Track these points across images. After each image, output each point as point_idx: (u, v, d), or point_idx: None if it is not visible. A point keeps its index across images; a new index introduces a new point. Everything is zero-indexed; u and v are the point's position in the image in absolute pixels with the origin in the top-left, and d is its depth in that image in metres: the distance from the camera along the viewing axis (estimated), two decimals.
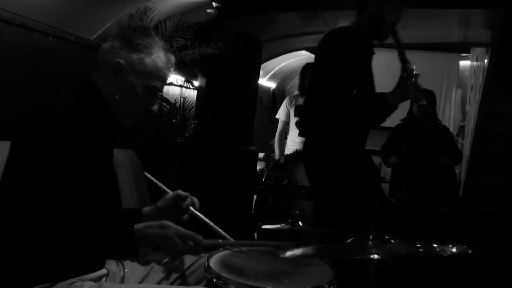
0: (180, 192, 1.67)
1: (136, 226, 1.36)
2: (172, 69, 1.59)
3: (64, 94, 1.49)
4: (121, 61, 1.47)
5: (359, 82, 2.35)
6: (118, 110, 1.51)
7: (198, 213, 1.68)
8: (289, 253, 1.31)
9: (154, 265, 1.65)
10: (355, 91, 2.31)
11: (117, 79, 1.48)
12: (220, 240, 1.61)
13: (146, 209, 1.70)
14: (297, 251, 1.34)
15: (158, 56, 1.52)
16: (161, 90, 1.57)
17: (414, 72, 2.39)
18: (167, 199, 1.68)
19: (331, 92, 2.32)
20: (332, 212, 2.38)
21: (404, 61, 2.41)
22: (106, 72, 1.49)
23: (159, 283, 1.61)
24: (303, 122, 2.64)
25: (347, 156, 2.38)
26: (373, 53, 2.49)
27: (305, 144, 2.59)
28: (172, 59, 1.59)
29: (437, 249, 1.30)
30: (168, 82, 3.50)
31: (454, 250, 1.29)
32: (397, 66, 2.45)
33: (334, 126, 2.37)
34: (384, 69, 3.29)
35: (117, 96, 1.49)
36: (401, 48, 2.41)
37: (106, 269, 1.53)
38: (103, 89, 1.49)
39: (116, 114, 1.52)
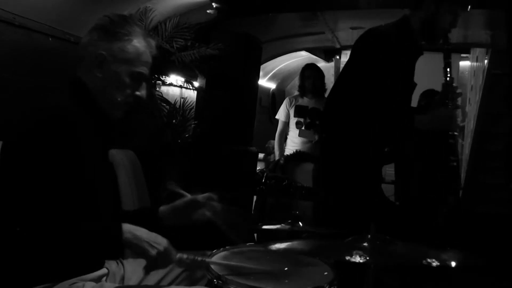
0: (198, 197, 1.66)
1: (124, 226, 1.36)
2: (154, 53, 1.58)
3: (54, 95, 1.48)
4: (103, 52, 1.47)
5: (393, 90, 2.16)
6: (107, 102, 1.51)
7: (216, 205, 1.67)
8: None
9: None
10: (386, 98, 2.11)
11: (102, 70, 1.48)
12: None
13: (163, 208, 1.68)
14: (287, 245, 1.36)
15: (139, 41, 1.51)
16: (146, 75, 1.56)
17: (457, 91, 2.18)
18: (184, 202, 1.67)
19: (362, 94, 2.14)
20: (342, 214, 2.32)
21: (448, 77, 2.19)
22: (90, 66, 1.48)
23: (158, 282, 1.60)
24: (326, 121, 2.46)
25: (368, 160, 2.26)
26: (419, 54, 2.31)
27: (324, 144, 2.48)
28: (153, 43, 1.58)
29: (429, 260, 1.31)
30: (168, 82, 3.53)
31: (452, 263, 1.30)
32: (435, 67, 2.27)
33: (360, 131, 2.20)
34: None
35: (104, 88, 1.49)
36: (449, 60, 2.20)
37: (107, 268, 1.53)
38: (89, 83, 1.49)
39: (106, 106, 1.51)
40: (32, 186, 1.25)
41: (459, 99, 2.20)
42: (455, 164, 2.21)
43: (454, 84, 2.17)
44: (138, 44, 1.51)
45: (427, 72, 2.30)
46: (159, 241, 1.37)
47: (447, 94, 2.18)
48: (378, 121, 2.14)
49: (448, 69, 2.19)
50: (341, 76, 2.45)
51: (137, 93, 1.55)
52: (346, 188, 2.33)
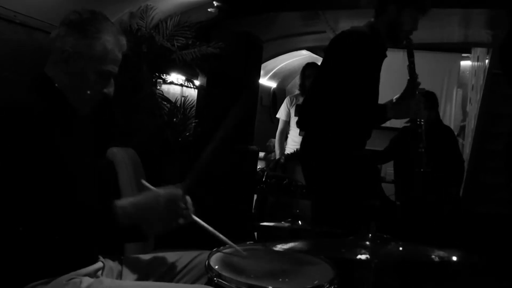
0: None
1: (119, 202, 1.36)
2: (123, 50, 1.55)
3: (18, 89, 1.49)
4: (69, 48, 1.45)
5: (364, 86, 2.34)
6: (73, 98, 1.49)
7: (203, 224, 1.61)
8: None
9: (153, 263, 1.65)
10: (358, 95, 2.29)
11: (68, 66, 1.46)
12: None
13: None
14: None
15: (107, 40, 1.48)
16: (114, 73, 1.53)
17: (420, 86, 2.38)
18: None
19: (335, 92, 2.31)
20: (330, 212, 2.38)
21: (412, 74, 2.39)
22: (57, 61, 1.47)
23: (157, 281, 1.61)
24: (303, 118, 2.61)
25: (346, 156, 2.37)
26: (385, 56, 2.49)
27: (303, 142, 2.58)
28: (123, 40, 1.55)
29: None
30: (168, 81, 3.53)
31: (454, 258, 1.30)
32: (402, 66, 2.44)
33: (334, 126, 2.36)
34: (389, 67, 3.26)
35: (70, 84, 1.47)
36: (412, 58, 2.39)
37: (102, 262, 1.53)
38: (55, 78, 1.47)
39: (72, 102, 1.50)
40: (9, 181, 1.26)
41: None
42: (422, 150, 2.41)
43: (417, 80, 2.40)
44: (106, 42, 1.48)
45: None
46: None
47: (413, 88, 2.40)
48: (353, 114, 2.32)
49: (412, 66, 2.40)
50: (317, 76, 2.63)
51: (105, 90, 1.53)
52: (327, 185, 2.41)
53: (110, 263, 1.57)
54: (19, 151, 1.27)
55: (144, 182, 1.60)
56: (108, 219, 1.34)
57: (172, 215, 1.44)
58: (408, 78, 2.41)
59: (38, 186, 1.27)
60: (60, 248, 1.33)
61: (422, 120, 2.40)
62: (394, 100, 2.53)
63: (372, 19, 2.45)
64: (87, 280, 1.38)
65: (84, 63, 1.46)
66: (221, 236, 1.58)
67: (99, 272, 1.50)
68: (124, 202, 1.37)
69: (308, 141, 2.52)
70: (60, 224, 1.28)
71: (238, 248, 1.60)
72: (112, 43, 1.50)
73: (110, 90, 1.55)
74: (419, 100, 2.35)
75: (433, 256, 1.32)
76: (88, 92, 1.50)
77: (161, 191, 1.43)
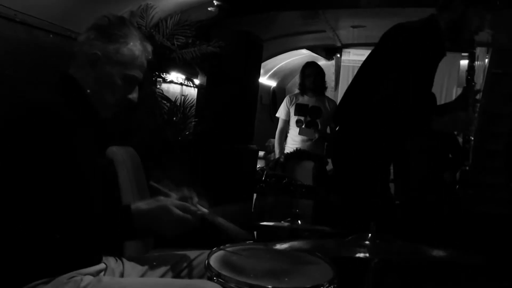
0: (186, 193, 1.60)
1: (133, 205, 1.39)
2: (149, 57, 1.58)
3: (42, 89, 1.49)
4: (98, 52, 1.47)
5: (417, 87, 2.11)
6: (97, 101, 1.51)
7: (215, 217, 1.61)
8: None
9: (154, 263, 1.65)
10: (408, 96, 2.06)
11: (95, 70, 1.48)
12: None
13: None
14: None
15: (135, 45, 1.51)
16: (139, 79, 1.56)
17: (477, 97, 2.15)
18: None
19: (382, 89, 2.09)
20: (350, 210, 2.30)
21: (470, 81, 2.17)
22: (84, 64, 1.49)
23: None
24: (341, 113, 2.41)
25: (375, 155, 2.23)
26: (443, 55, 2.28)
27: (337, 136, 2.43)
28: (149, 47, 1.58)
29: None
30: (168, 80, 3.52)
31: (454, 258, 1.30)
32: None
33: (373, 126, 2.17)
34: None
35: (95, 87, 1.49)
36: (473, 64, 2.20)
37: (105, 263, 1.53)
38: (81, 81, 1.49)
39: (96, 105, 1.51)
40: (21, 179, 1.26)
41: (478, 105, 2.18)
42: (467, 168, 2.23)
43: (476, 88, 2.15)
44: (134, 47, 1.51)
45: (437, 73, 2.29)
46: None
47: (467, 98, 2.17)
48: (395, 117, 2.10)
49: (471, 73, 2.18)
50: (362, 69, 2.39)
51: (129, 96, 1.55)
52: (358, 185, 2.29)
53: (112, 263, 1.57)
54: (36, 150, 1.28)
55: (153, 183, 1.61)
56: (123, 223, 1.37)
57: (183, 223, 1.44)
58: (464, 86, 2.19)
59: (51, 186, 1.27)
60: (64, 248, 1.33)
61: (472, 136, 2.16)
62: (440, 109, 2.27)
63: (435, 12, 2.22)
64: (87, 279, 1.38)
65: (111, 67, 1.49)
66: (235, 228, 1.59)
67: (101, 273, 1.50)
68: (138, 208, 1.39)
69: (343, 137, 2.36)
70: (67, 224, 1.28)
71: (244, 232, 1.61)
72: (139, 49, 1.53)
73: (134, 96, 1.57)
74: (471, 115, 2.12)
75: (434, 255, 1.32)
76: (113, 96, 1.51)
77: (173, 200, 1.44)
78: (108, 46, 1.48)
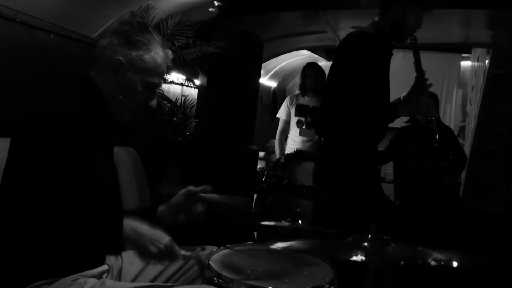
0: (191, 188, 1.64)
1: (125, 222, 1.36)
2: (170, 65, 1.59)
3: (63, 91, 1.49)
4: (121, 58, 1.47)
5: (375, 86, 2.36)
6: (117, 107, 1.51)
7: (212, 196, 1.64)
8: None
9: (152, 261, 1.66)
10: (369, 96, 2.31)
11: (116, 75, 1.48)
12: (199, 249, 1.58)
13: (161, 208, 1.67)
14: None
15: (157, 52, 1.52)
16: (159, 86, 1.57)
17: (427, 83, 2.43)
18: (179, 196, 1.65)
19: (347, 95, 2.34)
20: (335, 212, 2.39)
21: (419, 71, 2.44)
22: (105, 69, 1.49)
23: (156, 277, 1.61)
24: (321, 123, 2.67)
25: (357, 157, 2.40)
26: (391, 54, 2.53)
27: (323, 145, 2.61)
28: (170, 55, 1.59)
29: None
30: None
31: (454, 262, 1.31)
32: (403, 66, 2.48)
33: (350, 129, 2.39)
34: (398, 68, 3.30)
35: (116, 93, 1.49)
36: (418, 56, 2.45)
37: (107, 265, 1.54)
38: (102, 85, 1.49)
39: (115, 110, 1.52)
40: (36, 181, 1.26)
41: (429, 89, 2.47)
42: (436, 145, 2.46)
43: (425, 77, 2.46)
44: (156, 55, 1.52)
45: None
46: (161, 238, 1.36)
47: (421, 84, 2.45)
48: (366, 115, 2.34)
49: (418, 63, 2.46)
50: (328, 80, 2.64)
51: (149, 102, 1.56)
52: (345, 187, 2.42)
53: (111, 260, 1.57)
54: (51, 152, 1.28)
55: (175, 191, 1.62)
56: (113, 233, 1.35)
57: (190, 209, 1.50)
58: (416, 75, 2.46)
59: (60, 187, 1.27)
60: (68, 249, 1.33)
61: (433, 118, 2.44)
62: (402, 98, 2.58)
63: (377, 18, 2.48)
64: (91, 281, 1.38)
65: (133, 74, 1.49)
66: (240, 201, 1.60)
67: (105, 275, 1.50)
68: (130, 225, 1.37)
69: (328, 147, 2.55)
70: (73, 225, 1.28)
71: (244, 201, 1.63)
72: (161, 56, 1.53)
73: (153, 102, 1.58)
74: (428, 96, 2.41)
75: (432, 260, 1.32)
76: (132, 102, 1.52)
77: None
78: (131, 52, 1.48)
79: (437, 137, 2.46)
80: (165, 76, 1.59)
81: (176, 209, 1.64)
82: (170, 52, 1.59)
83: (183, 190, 1.66)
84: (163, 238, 1.37)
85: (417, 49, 2.46)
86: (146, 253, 1.35)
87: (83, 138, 1.34)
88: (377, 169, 2.84)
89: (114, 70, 1.48)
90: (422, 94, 2.43)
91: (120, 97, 1.50)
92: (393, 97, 2.59)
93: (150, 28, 1.57)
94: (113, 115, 1.53)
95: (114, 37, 1.51)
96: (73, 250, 1.35)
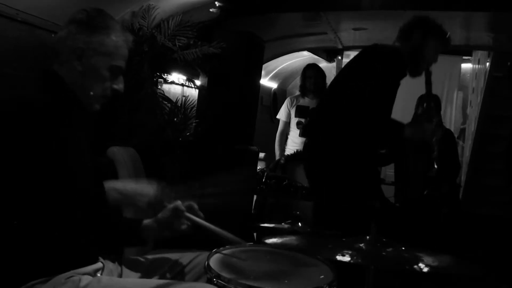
0: (179, 204, 1.56)
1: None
2: (129, 46, 1.58)
3: (29, 86, 1.50)
4: (82, 45, 1.47)
5: (385, 102, 2.39)
6: (85, 95, 1.51)
7: (197, 219, 1.59)
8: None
9: (152, 264, 1.65)
10: (377, 109, 2.32)
11: (81, 64, 1.48)
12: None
13: (147, 221, 1.57)
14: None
15: (117, 35, 1.52)
16: (123, 68, 1.56)
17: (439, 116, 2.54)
18: (167, 211, 1.57)
19: (354, 103, 2.32)
20: (333, 213, 2.39)
21: (429, 101, 2.54)
22: (68, 59, 1.48)
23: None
24: (313, 123, 2.65)
25: (351, 159, 2.41)
26: (405, 75, 2.52)
27: (307, 145, 2.58)
28: (130, 37, 1.59)
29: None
30: (169, 81, 3.53)
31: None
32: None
33: (347, 137, 2.39)
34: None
35: (82, 81, 1.49)
36: (430, 87, 2.50)
37: (102, 263, 1.53)
38: (66, 77, 1.48)
39: (83, 99, 1.51)
40: (12, 177, 1.27)
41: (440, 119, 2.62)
42: (433, 175, 2.48)
43: (436, 104, 2.60)
44: (117, 37, 1.52)
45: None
46: (146, 191, 1.38)
47: (429, 113, 2.57)
48: (367, 127, 2.35)
49: (429, 94, 2.52)
50: (336, 81, 2.65)
51: (115, 86, 1.55)
52: (334, 189, 2.46)
53: (110, 264, 1.56)
54: (25, 147, 1.28)
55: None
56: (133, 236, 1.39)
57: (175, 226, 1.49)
58: (425, 104, 2.54)
59: (41, 183, 1.27)
60: (60, 247, 1.33)
61: (436, 147, 2.45)
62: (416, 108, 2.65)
63: (397, 43, 2.50)
64: (86, 279, 1.38)
65: (96, 60, 1.49)
66: (227, 234, 1.57)
67: (99, 273, 1.50)
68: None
69: (314, 146, 2.55)
70: (59, 222, 1.28)
71: (244, 243, 1.61)
72: (122, 39, 1.53)
73: (120, 86, 1.57)
74: (434, 125, 2.44)
75: (431, 264, 1.32)
76: (100, 88, 1.51)
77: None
78: (91, 38, 1.48)
79: (436, 166, 2.46)
80: (126, 57, 1.57)
81: (161, 225, 1.57)
82: (129, 34, 1.59)
83: (170, 206, 1.58)
84: (148, 190, 1.44)
85: (430, 80, 2.48)
86: (139, 210, 1.38)
87: (52, 130, 1.33)
88: (377, 171, 2.83)
89: (78, 58, 1.47)
90: (429, 121, 2.47)
91: (87, 85, 1.49)
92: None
93: (106, 13, 1.57)
94: (83, 105, 1.51)
95: (72, 26, 1.50)
96: (63, 246, 1.35)
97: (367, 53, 2.52)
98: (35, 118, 1.31)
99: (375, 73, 2.35)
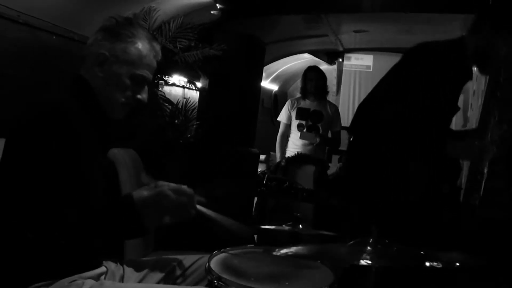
0: (185, 188, 1.49)
1: (134, 193, 1.35)
2: (158, 58, 1.58)
3: (55, 90, 1.49)
4: (105, 52, 1.48)
5: (438, 105, 2.11)
6: (107, 103, 1.51)
7: (210, 212, 1.58)
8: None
9: (154, 266, 1.65)
10: (429, 114, 2.06)
11: (103, 70, 1.48)
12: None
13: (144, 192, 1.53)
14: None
15: (142, 44, 1.52)
16: (148, 78, 1.55)
17: (502, 129, 2.18)
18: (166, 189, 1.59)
19: (404, 104, 2.09)
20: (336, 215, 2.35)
21: (487, 113, 2.16)
22: (92, 65, 1.49)
23: (158, 283, 1.60)
24: (359, 121, 2.41)
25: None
26: (470, 78, 2.27)
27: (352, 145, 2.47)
28: (157, 47, 1.58)
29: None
30: (170, 83, 3.53)
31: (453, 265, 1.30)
32: None
33: (391, 139, 2.18)
34: None
35: (104, 88, 1.49)
36: (496, 94, 2.20)
37: (105, 267, 1.53)
38: (91, 82, 1.49)
39: (106, 107, 1.51)
40: (30, 181, 1.25)
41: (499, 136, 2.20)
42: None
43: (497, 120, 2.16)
44: (142, 46, 1.51)
45: None
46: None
47: (486, 128, 2.16)
48: (409, 136, 2.11)
49: (494, 104, 2.17)
50: (382, 83, 2.36)
51: (138, 96, 1.54)
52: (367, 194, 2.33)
53: (112, 266, 1.57)
54: (46, 151, 1.27)
55: (144, 177, 1.59)
56: (128, 213, 1.33)
57: (180, 207, 1.41)
58: (480, 114, 2.20)
59: (53, 187, 1.26)
60: (65, 251, 1.33)
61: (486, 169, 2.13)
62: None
63: (464, 34, 2.16)
64: (89, 283, 1.38)
65: (118, 67, 1.49)
66: (229, 221, 1.57)
67: (102, 277, 1.50)
68: (140, 195, 1.35)
69: (357, 147, 2.40)
70: (67, 225, 1.27)
71: (246, 228, 1.59)
72: (147, 48, 1.53)
73: (144, 96, 1.56)
74: (487, 143, 2.13)
75: (434, 263, 1.32)
76: (122, 96, 1.51)
77: (169, 184, 1.41)
78: (115, 46, 1.49)
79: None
80: (153, 68, 1.56)
81: (149, 203, 1.55)
82: (157, 45, 1.58)
83: (172, 185, 1.57)
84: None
85: (499, 85, 2.20)
86: (171, 203, 1.36)
87: (76, 136, 1.33)
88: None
89: (100, 64, 1.48)
90: (481, 139, 2.15)
91: (109, 92, 1.49)
92: None
93: (134, 22, 1.58)
94: (105, 112, 1.52)
95: (98, 34, 1.52)
96: (71, 251, 1.34)
97: (413, 54, 2.23)
98: (60, 122, 1.30)
99: (422, 76, 2.07)
